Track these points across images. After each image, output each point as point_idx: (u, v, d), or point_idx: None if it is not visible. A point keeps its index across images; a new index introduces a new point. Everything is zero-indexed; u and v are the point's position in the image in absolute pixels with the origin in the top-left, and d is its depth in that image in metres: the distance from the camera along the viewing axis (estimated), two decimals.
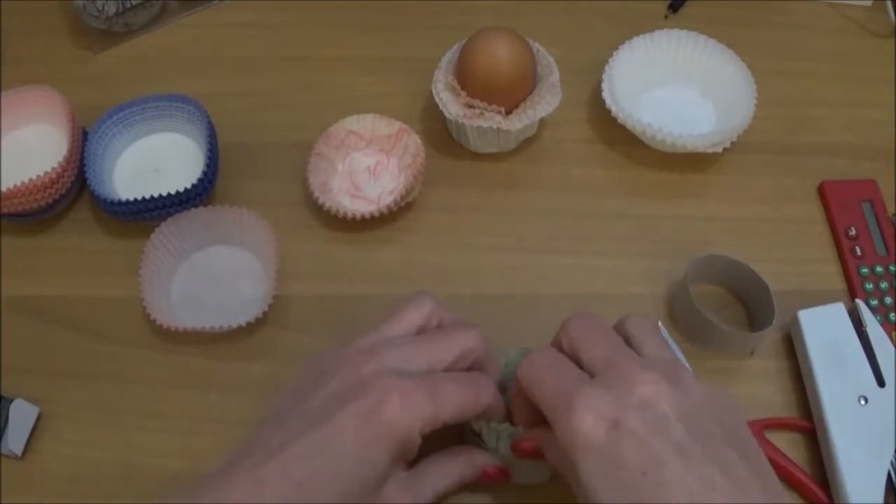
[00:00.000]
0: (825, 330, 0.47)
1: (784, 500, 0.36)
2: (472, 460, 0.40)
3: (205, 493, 0.34)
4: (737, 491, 0.31)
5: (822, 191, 0.55)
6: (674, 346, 0.48)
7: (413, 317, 0.40)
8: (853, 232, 0.53)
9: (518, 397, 0.39)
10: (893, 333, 0.48)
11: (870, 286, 0.51)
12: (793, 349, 0.48)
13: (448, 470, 0.39)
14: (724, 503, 0.31)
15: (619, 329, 0.39)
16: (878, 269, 0.51)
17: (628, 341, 0.38)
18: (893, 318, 0.49)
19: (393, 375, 0.36)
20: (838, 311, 0.47)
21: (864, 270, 0.51)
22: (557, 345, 0.39)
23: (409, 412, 0.35)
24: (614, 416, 0.32)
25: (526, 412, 0.39)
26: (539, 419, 0.37)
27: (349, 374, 0.37)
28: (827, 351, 0.46)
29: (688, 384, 0.34)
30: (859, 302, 0.47)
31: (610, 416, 0.32)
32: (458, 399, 0.37)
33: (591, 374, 0.36)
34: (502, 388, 0.42)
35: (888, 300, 0.50)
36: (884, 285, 0.50)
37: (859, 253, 0.52)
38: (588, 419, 0.32)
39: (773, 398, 0.47)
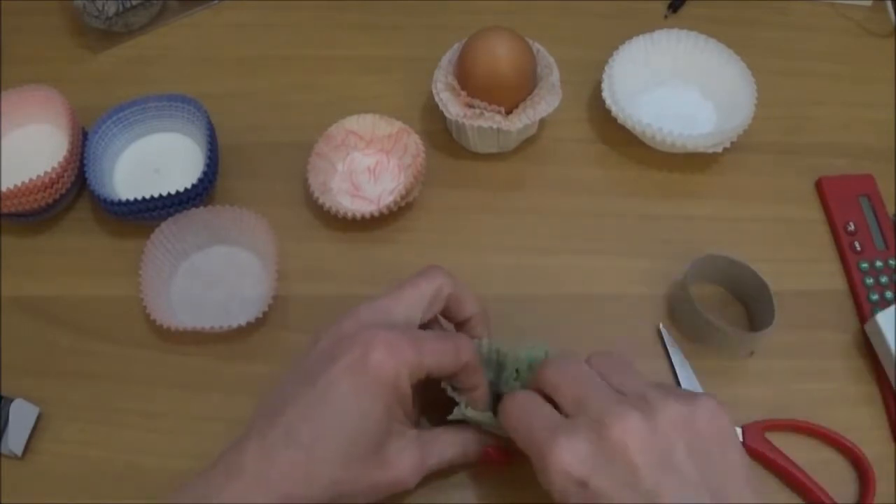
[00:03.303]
0: None
1: None
2: (476, 436, 0.42)
3: (218, 469, 0.36)
4: None
5: (819, 187, 0.55)
6: (673, 347, 0.48)
7: (423, 289, 0.41)
8: (851, 227, 0.53)
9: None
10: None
11: (870, 280, 0.51)
12: (792, 349, 0.48)
13: (456, 439, 0.41)
14: None
15: (591, 366, 0.39)
16: (878, 263, 0.51)
17: (602, 377, 0.38)
18: None
19: (374, 327, 0.38)
20: None
21: (864, 265, 0.51)
22: (537, 388, 0.39)
23: (394, 357, 0.36)
24: (583, 475, 0.33)
25: None
26: None
27: (334, 335, 0.39)
28: None
29: (662, 411, 0.34)
30: None
31: (579, 474, 0.34)
32: (439, 349, 0.38)
33: (566, 416, 0.36)
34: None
35: (888, 294, 0.50)
36: (884, 279, 0.50)
37: (858, 248, 0.52)
38: (560, 476, 0.34)
39: (773, 398, 0.47)
